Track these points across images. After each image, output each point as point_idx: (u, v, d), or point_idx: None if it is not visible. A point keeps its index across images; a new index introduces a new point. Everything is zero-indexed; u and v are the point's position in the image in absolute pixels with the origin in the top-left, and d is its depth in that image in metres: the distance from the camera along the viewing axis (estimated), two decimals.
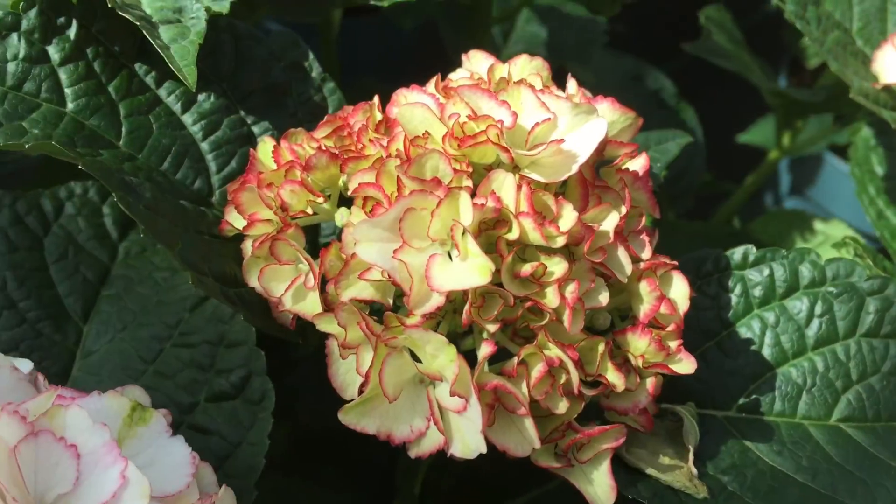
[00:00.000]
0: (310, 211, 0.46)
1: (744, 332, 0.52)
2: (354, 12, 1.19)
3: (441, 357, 0.40)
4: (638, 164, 0.48)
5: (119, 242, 0.58)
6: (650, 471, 0.46)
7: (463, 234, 0.40)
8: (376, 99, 0.49)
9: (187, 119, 0.52)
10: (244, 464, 0.49)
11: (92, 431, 0.37)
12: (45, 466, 0.36)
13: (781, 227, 0.98)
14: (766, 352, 0.51)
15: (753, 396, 0.51)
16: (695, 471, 0.46)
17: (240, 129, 0.53)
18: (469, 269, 0.40)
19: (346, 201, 0.47)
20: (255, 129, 0.53)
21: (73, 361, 0.54)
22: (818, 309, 0.51)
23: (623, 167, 0.47)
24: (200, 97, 0.52)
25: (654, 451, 0.47)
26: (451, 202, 0.40)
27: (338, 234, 0.54)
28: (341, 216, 0.46)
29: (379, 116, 0.48)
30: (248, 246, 0.46)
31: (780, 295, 0.52)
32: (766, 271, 0.52)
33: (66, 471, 0.37)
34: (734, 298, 0.52)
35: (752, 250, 0.52)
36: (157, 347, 0.53)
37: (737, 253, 0.52)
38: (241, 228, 0.46)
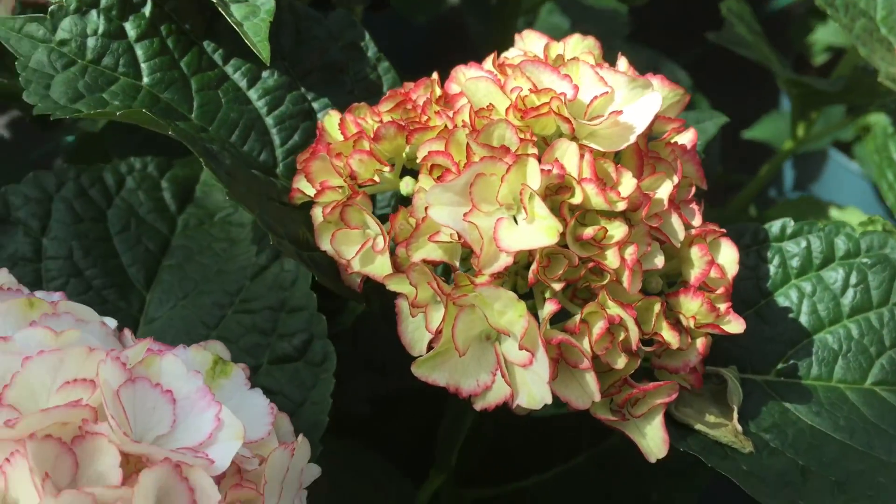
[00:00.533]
0: (377, 179, 0.48)
1: (782, 301, 0.54)
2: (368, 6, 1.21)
3: (509, 313, 0.42)
4: (686, 137, 0.50)
5: (178, 215, 0.60)
6: (698, 427, 0.48)
7: (531, 197, 0.42)
8: (435, 75, 0.51)
9: (253, 95, 0.54)
10: (308, 421, 0.51)
11: (186, 378, 0.40)
12: (143, 410, 0.39)
13: (798, 214, 1.01)
14: (804, 319, 0.54)
15: (791, 361, 0.53)
16: (740, 427, 0.48)
17: (301, 105, 0.55)
18: (537, 230, 0.42)
19: (406, 173, 0.50)
20: (315, 106, 0.56)
21: (138, 327, 0.56)
22: (853, 279, 0.54)
23: (672, 141, 0.50)
24: (264, 74, 0.55)
25: (700, 411, 0.49)
26: (519, 168, 0.43)
27: (393, 205, 0.56)
28: (406, 184, 0.48)
29: (439, 92, 0.50)
30: (318, 212, 0.49)
31: (817, 266, 0.54)
32: (804, 243, 0.55)
33: (164, 414, 0.39)
34: (772, 269, 0.55)
35: (790, 223, 0.55)
36: (218, 314, 0.56)
37: (775, 226, 0.55)
38: (311, 196, 0.49)
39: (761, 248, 0.55)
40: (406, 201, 0.49)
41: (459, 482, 0.80)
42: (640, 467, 0.82)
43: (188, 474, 0.36)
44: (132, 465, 0.37)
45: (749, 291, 0.55)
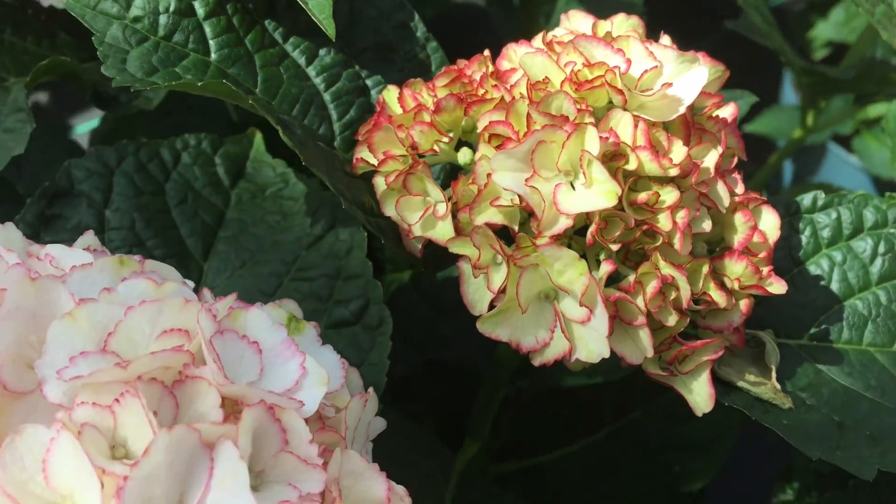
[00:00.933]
0: (437, 149, 0.51)
1: (813, 270, 0.57)
2: None
3: (570, 272, 0.45)
4: (727, 111, 0.53)
5: (231, 190, 0.63)
6: (740, 384, 0.51)
7: (590, 162, 0.45)
8: (487, 52, 0.54)
9: (311, 71, 0.57)
10: (367, 381, 0.54)
11: (271, 330, 0.42)
12: (231, 360, 0.41)
13: None
14: (834, 287, 0.57)
15: (823, 326, 0.56)
16: (778, 386, 0.51)
17: (356, 82, 0.58)
18: (596, 194, 0.45)
19: (460, 145, 0.52)
20: (369, 83, 0.58)
21: None
22: (881, 248, 0.57)
23: (713, 115, 0.52)
24: (321, 52, 0.57)
25: (741, 370, 0.52)
26: (578, 135, 0.45)
27: (442, 178, 0.59)
28: (464, 155, 0.51)
29: (492, 68, 0.53)
30: (380, 181, 0.51)
31: (847, 236, 0.57)
32: (834, 214, 0.57)
33: (251, 364, 0.41)
34: (804, 239, 0.57)
35: (821, 195, 0.58)
36: (275, 282, 0.58)
37: (806, 198, 0.58)
38: (374, 165, 0.51)
39: (793, 220, 0.58)
40: (459, 172, 0.52)
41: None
42: (663, 440, 0.86)
43: (280, 416, 0.39)
44: (227, 408, 0.39)
45: (782, 260, 0.57)
